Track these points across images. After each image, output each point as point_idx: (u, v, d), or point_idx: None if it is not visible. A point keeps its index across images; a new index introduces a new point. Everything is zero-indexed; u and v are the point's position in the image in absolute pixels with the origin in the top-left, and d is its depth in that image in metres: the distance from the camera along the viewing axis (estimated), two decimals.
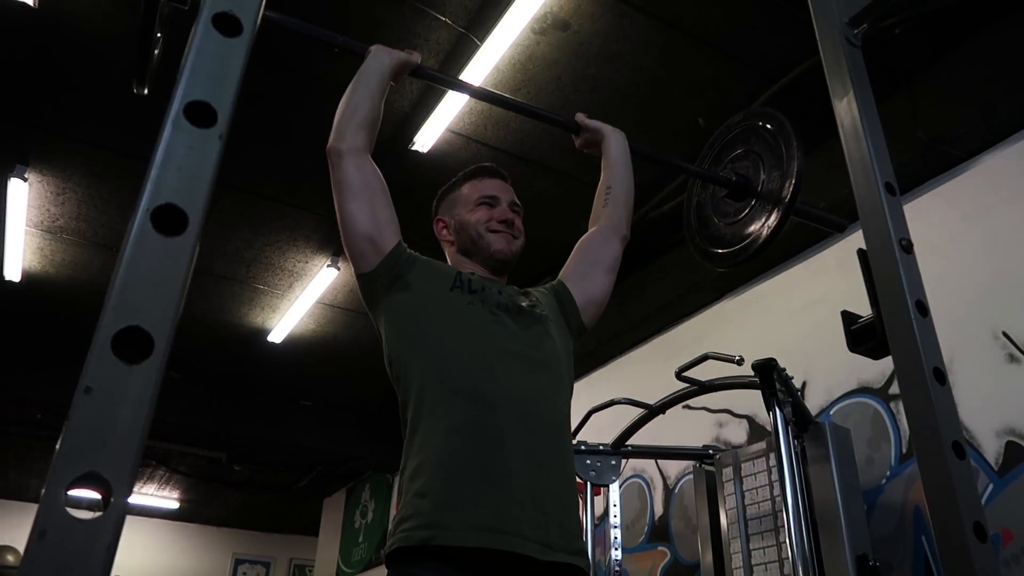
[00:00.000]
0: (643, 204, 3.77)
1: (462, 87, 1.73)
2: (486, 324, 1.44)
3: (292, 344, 5.39)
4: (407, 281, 1.44)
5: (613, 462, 3.09)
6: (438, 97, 3.19)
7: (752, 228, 1.65)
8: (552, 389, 1.45)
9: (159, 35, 1.26)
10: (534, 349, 1.46)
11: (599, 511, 3.19)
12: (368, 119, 1.50)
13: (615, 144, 1.82)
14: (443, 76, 1.73)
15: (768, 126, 1.72)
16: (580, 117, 1.81)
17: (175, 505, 8.94)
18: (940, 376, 1.03)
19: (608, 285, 1.70)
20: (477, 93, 1.77)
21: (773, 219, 1.59)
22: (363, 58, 1.55)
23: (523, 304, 1.53)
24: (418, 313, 1.43)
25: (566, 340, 1.57)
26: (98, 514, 0.52)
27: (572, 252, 1.76)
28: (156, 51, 1.29)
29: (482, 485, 1.24)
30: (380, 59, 1.54)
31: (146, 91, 1.30)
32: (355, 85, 1.52)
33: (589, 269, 1.70)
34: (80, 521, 0.51)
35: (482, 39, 2.91)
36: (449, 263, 1.63)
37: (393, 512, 6.51)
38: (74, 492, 0.53)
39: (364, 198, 1.45)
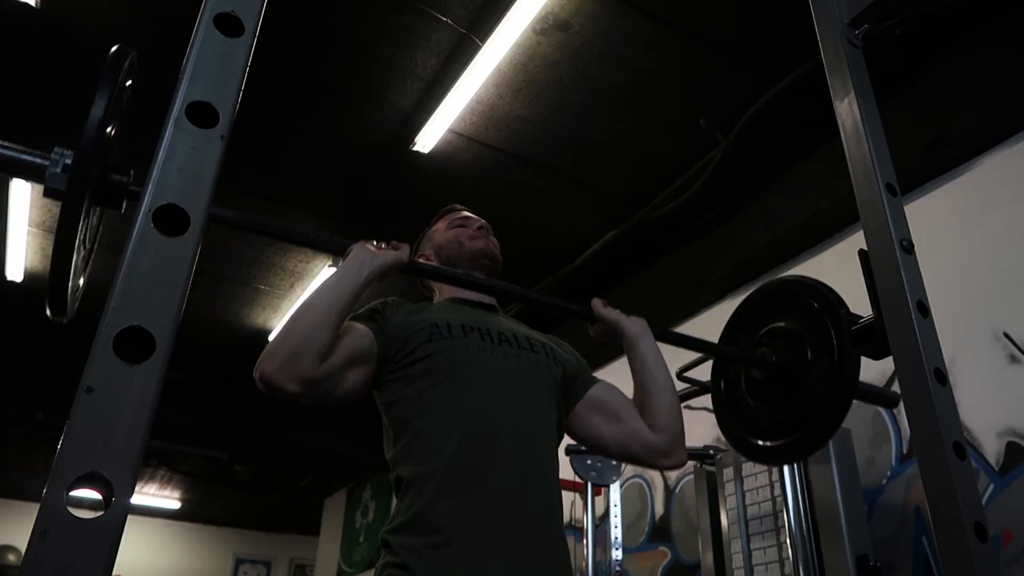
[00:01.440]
0: (644, 205, 3.78)
1: (462, 280, 1.53)
2: (472, 364, 1.35)
3: None
4: (387, 355, 1.36)
5: (614, 462, 3.09)
6: (439, 98, 3.19)
7: (802, 417, 1.43)
8: (543, 423, 1.38)
9: (86, 248, 1.06)
10: (525, 381, 1.39)
11: (600, 511, 3.19)
12: (323, 347, 1.23)
13: (639, 343, 1.53)
14: (438, 268, 1.54)
15: (813, 303, 1.48)
16: (597, 305, 1.57)
17: (176, 505, 8.95)
18: (941, 377, 1.03)
19: (607, 446, 1.49)
20: (472, 282, 1.52)
21: (830, 407, 1.39)
22: (342, 256, 1.36)
23: (518, 335, 1.47)
24: (404, 386, 1.35)
25: (561, 391, 1.46)
26: (100, 514, 0.52)
27: (625, 396, 1.54)
28: (82, 278, 1.09)
29: (470, 528, 1.20)
30: (360, 265, 1.32)
31: (64, 320, 1.07)
32: (319, 300, 1.27)
33: (612, 422, 1.48)
34: (82, 521, 0.51)
35: (483, 39, 2.92)
36: (436, 293, 1.64)
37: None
38: (76, 492, 0.53)
39: (353, 370, 1.31)
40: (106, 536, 0.51)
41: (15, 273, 4.53)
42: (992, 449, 2.50)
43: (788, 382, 1.48)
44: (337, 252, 1.36)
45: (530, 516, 1.26)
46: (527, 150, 3.54)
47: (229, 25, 0.74)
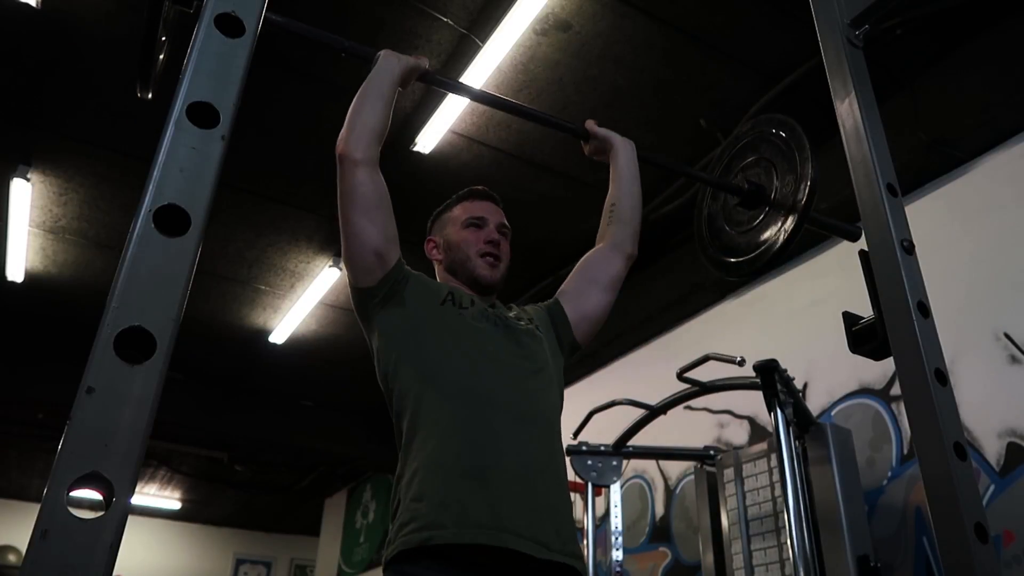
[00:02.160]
0: (645, 205, 3.76)
1: (469, 92, 1.72)
2: (476, 333, 1.48)
3: (294, 345, 5.40)
4: (402, 297, 1.47)
5: (614, 463, 3.09)
6: (440, 98, 3.19)
7: (766, 235, 1.62)
8: (542, 391, 1.48)
9: (163, 39, 1.25)
10: (523, 354, 1.50)
11: (600, 512, 3.19)
12: (380, 128, 1.48)
13: (624, 155, 1.79)
14: (450, 81, 1.69)
15: (780, 132, 1.69)
16: (590, 124, 1.78)
17: (177, 505, 8.95)
18: (941, 377, 1.03)
19: (605, 303, 1.69)
20: (484, 98, 1.73)
21: (788, 225, 1.56)
22: (371, 63, 1.52)
23: (510, 316, 1.58)
24: (411, 326, 1.46)
25: (556, 355, 1.60)
26: (100, 514, 0.52)
27: (574, 269, 1.75)
28: (160, 55, 1.28)
29: (477, 485, 1.27)
30: (390, 64, 1.52)
31: (150, 95, 1.29)
32: (366, 91, 1.50)
33: (586, 287, 1.69)
34: (82, 521, 0.51)
35: (484, 40, 2.92)
36: (438, 280, 1.67)
37: None
38: (76, 492, 0.53)
39: (377, 213, 1.45)
40: (106, 536, 0.52)
41: (15, 274, 4.53)
42: (993, 450, 2.50)
43: (758, 206, 1.67)
44: (366, 57, 1.52)
45: (537, 493, 1.34)
46: (527, 151, 3.54)
47: (230, 26, 0.74)
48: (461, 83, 1.71)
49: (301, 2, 2.79)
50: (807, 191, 1.53)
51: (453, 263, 1.62)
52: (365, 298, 1.47)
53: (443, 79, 1.68)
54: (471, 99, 1.76)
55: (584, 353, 1.73)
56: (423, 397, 1.38)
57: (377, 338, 1.47)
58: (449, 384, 1.39)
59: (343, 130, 1.47)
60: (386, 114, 1.49)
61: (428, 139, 3.41)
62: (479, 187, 1.73)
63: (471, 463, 1.30)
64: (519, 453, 1.34)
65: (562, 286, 1.72)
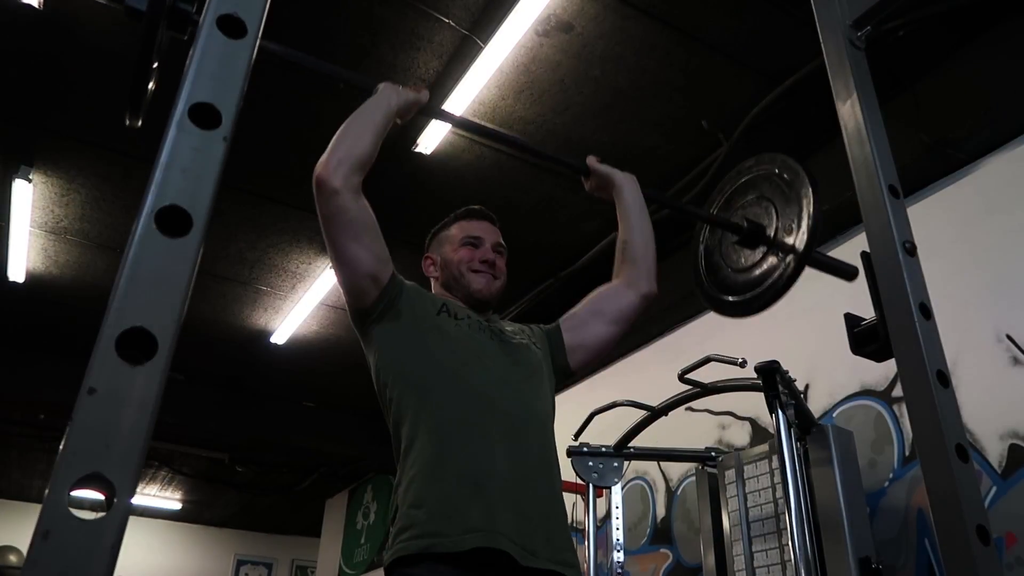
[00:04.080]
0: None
1: (472, 126, 1.74)
2: (472, 343, 1.49)
3: (295, 345, 5.40)
4: (397, 310, 1.49)
5: (615, 464, 3.09)
6: (441, 99, 3.19)
7: (763, 276, 1.61)
8: (536, 398, 1.50)
9: (155, 64, 1.22)
10: (517, 362, 1.52)
11: (601, 513, 3.19)
12: (366, 158, 1.44)
13: (628, 191, 1.76)
14: (453, 115, 1.72)
15: (784, 175, 1.66)
16: (591, 161, 1.75)
17: (177, 506, 8.95)
18: (943, 379, 1.02)
19: (606, 335, 1.68)
20: (487, 132, 1.73)
21: (786, 268, 1.55)
22: (370, 93, 1.51)
23: (506, 330, 1.60)
24: (407, 337, 1.47)
25: (550, 374, 1.61)
26: (101, 514, 0.52)
27: (584, 298, 1.75)
28: (151, 84, 1.25)
29: (473, 492, 1.29)
30: (388, 97, 1.50)
31: (139, 124, 1.27)
32: (358, 119, 1.47)
33: (590, 316, 1.69)
34: (84, 522, 0.51)
35: (485, 41, 2.92)
36: (435, 286, 1.70)
37: None
38: (78, 493, 0.53)
39: (365, 238, 1.45)
40: (108, 537, 0.51)
41: (17, 274, 4.53)
42: (995, 451, 2.50)
43: (757, 245, 1.66)
44: (367, 88, 1.50)
45: (531, 501, 1.36)
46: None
47: (232, 27, 0.74)
48: (464, 118, 1.73)
49: (301, 5, 2.80)
50: (807, 239, 1.52)
51: (449, 280, 1.65)
52: (362, 316, 1.49)
53: (446, 112, 1.68)
54: (473, 132, 1.75)
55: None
56: (419, 405, 1.40)
57: (375, 351, 1.50)
58: (444, 392, 1.40)
59: (324, 154, 1.43)
60: (373, 145, 1.45)
61: (430, 140, 3.41)
62: (476, 207, 1.75)
63: (467, 470, 1.32)
64: (513, 460, 1.36)
65: (568, 312, 1.73)
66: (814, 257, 1.58)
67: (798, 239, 1.55)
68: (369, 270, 1.45)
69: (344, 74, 1.46)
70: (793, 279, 1.54)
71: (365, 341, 1.52)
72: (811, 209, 1.54)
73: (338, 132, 1.45)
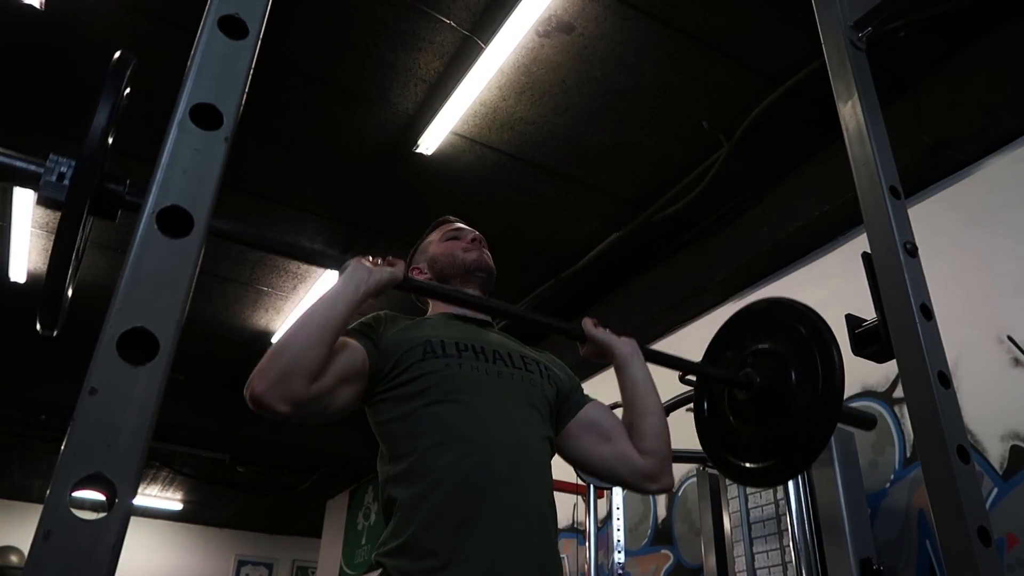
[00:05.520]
0: (647, 207, 3.78)
1: (455, 298, 1.52)
2: (466, 383, 1.35)
3: None
4: (379, 371, 1.35)
5: None
6: (442, 99, 3.19)
7: (777, 446, 1.45)
8: (537, 442, 1.38)
9: (80, 257, 1.06)
10: (519, 401, 1.40)
11: (602, 514, 3.19)
12: (317, 366, 1.22)
13: (632, 365, 1.55)
14: (431, 286, 1.54)
15: (801, 329, 1.50)
16: (587, 325, 1.57)
17: (178, 506, 8.95)
18: (944, 380, 1.02)
19: (593, 465, 1.50)
20: (471, 302, 1.51)
21: (807, 441, 1.39)
22: (340, 271, 1.36)
23: (512, 353, 1.47)
24: (396, 404, 1.35)
25: (553, 410, 1.47)
26: (103, 515, 0.52)
27: (615, 416, 1.56)
28: (71, 288, 1.10)
29: (468, 544, 1.20)
30: (357, 282, 1.31)
31: (54, 334, 1.08)
32: (315, 315, 1.26)
33: (601, 442, 1.50)
34: (85, 522, 0.51)
35: (486, 42, 2.92)
36: (430, 306, 1.63)
37: None
38: (79, 493, 0.53)
39: (344, 388, 1.30)
40: (109, 537, 0.52)
41: (18, 274, 4.53)
42: (996, 453, 2.50)
43: (771, 405, 1.48)
44: (334, 267, 1.36)
45: (525, 538, 1.26)
46: (530, 152, 3.55)
47: (233, 27, 0.74)
48: (443, 287, 1.54)
49: (303, 6, 2.80)
50: (829, 410, 1.36)
51: (443, 270, 1.61)
52: (365, 402, 1.39)
53: (424, 284, 1.52)
54: (456, 304, 1.54)
55: (572, 364, 1.65)
56: (412, 463, 1.28)
57: (376, 425, 1.39)
58: (436, 443, 1.28)
59: (263, 359, 1.21)
60: (329, 347, 1.24)
61: (430, 140, 3.41)
62: (448, 215, 1.77)
63: (460, 519, 1.21)
64: (510, 507, 1.25)
65: (601, 404, 1.58)
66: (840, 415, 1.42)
67: (822, 410, 1.37)
68: (360, 391, 1.34)
69: (305, 250, 1.31)
70: (819, 447, 1.39)
71: (368, 416, 1.42)
72: (835, 374, 1.37)
73: (288, 330, 1.25)
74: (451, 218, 1.76)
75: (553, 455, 1.46)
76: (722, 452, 1.60)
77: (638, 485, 1.48)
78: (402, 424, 1.33)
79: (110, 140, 0.98)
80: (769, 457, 1.47)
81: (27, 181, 0.90)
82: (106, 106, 0.93)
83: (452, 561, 1.17)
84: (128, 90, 1.00)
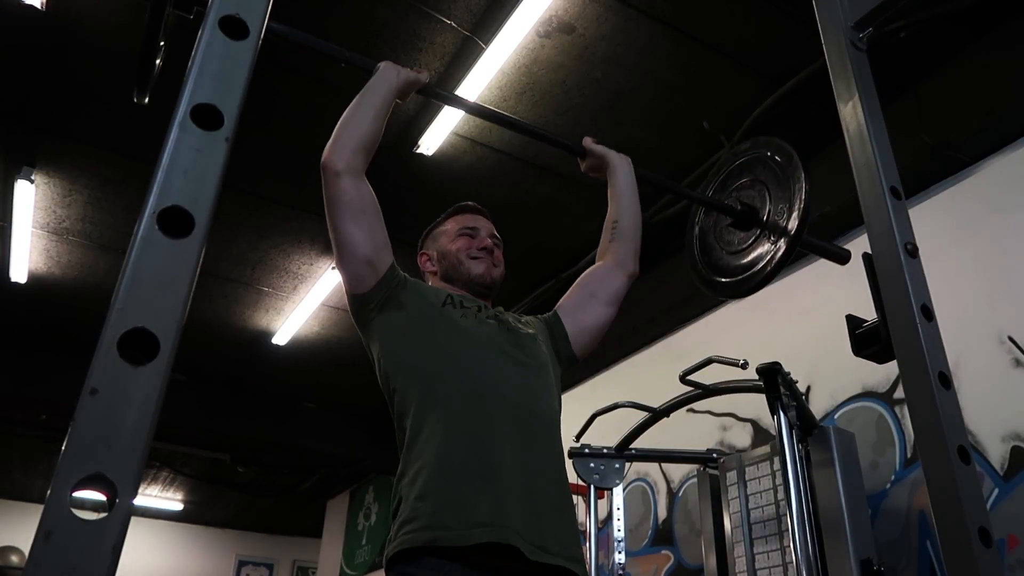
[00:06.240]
0: (647, 208, 3.77)
1: (468, 106, 1.74)
2: (478, 333, 1.48)
3: (296, 346, 5.40)
4: (400, 300, 1.49)
5: (617, 465, 3.09)
6: None
7: (756, 259, 1.63)
8: (544, 391, 1.50)
9: (162, 43, 1.25)
10: (525, 353, 1.52)
11: (603, 514, 3.19)
12: (369, 139, 1.48)
13: (621, 173, 1.79)
14: (451, 95, 1.71)
15: (776, 157, 1.68)
16: (587, 142, 1.79)
17: (179, 506, 8.95)
18: (945, 380, 1.02)
19: (604, 316, 1.69)
20: (482, 112, 1.75)
21: (778, 251, 1.58)
22: (370, 73, 1.54)
23: (510, 321, 1.60)
24: (412, 327, 1.47)
25: (555, 364, 1.61)
26: (103, 515, 0.52)
27: (574, 283, 1.76)
28: (159, 60, 1.28)
29: (480, 484, 1.28)
30: (388, 76, 1.53)
31: (147, 100, 1.30)
32: (360, 101, 1.51)
33: (586, 301, 1.70)
34: (85, 522, 0.51)
35: (487, 42, 2.92)
36: (435, 282, 1.69)
37: None
38: (79, 493, 0.53)
39: (363, 220, 1.46)
40: (110, 537, 0.52)
41: (19, 275, 4.54)
42: (996, 453, 2.50)
43: (750, 228, 1.68)
44: (367, 68, 1.53)
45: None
46: (530, 153, 3.55)
47: (234, 28, 0.74)
48: (459, 97, 1.74)
49: (302, 5, 2.80)
50: (799, 221, 1.55)
51: (448, 270, 1.65)
52: (361, 304, 1.48)
53: (442, 92, 1.69)
54: (468, 112, 1.79)
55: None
56: (426, 395, 1.39)
57: (377, 341, 1.49)
58: (451, 382, 1.40)
59: (330, 139, 1.47)
60: (377, 126, 1.50)
61: (431, 141, 3.41)
62: (469, 202, 1.76)
63: (475, 462, 1.30)
64: (523, 453, 1.35)
65: (561, 300, 1.73)
66: (806, 240, 1.60)
67: (790, 222, 1.56)
68: (366, 254, 1.45)
69: (345, 54, 1.49)
70: (784, 262, 1.57)
71: (366, 332, 1.51)
72: (803, 193, 1.56)
73: (342, 117, 1.49)
74: (469, 206, 1.75)
75: (559, 403, 1.57)
76: (710, 275, 1.78)
77: (623, 272, 1.72)
78: (414, 362, 1.44)
79: None
80: (750, 267, 1.65)
81: None
82: None
83: (471, 509, 1.26)
84: None
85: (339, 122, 1.48)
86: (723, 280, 1.72)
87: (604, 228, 1.79)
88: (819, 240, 1.81)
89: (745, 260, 1.66)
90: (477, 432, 1.34)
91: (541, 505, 1.32)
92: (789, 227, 1.56)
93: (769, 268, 1.59)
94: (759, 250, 1.63)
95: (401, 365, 1.45)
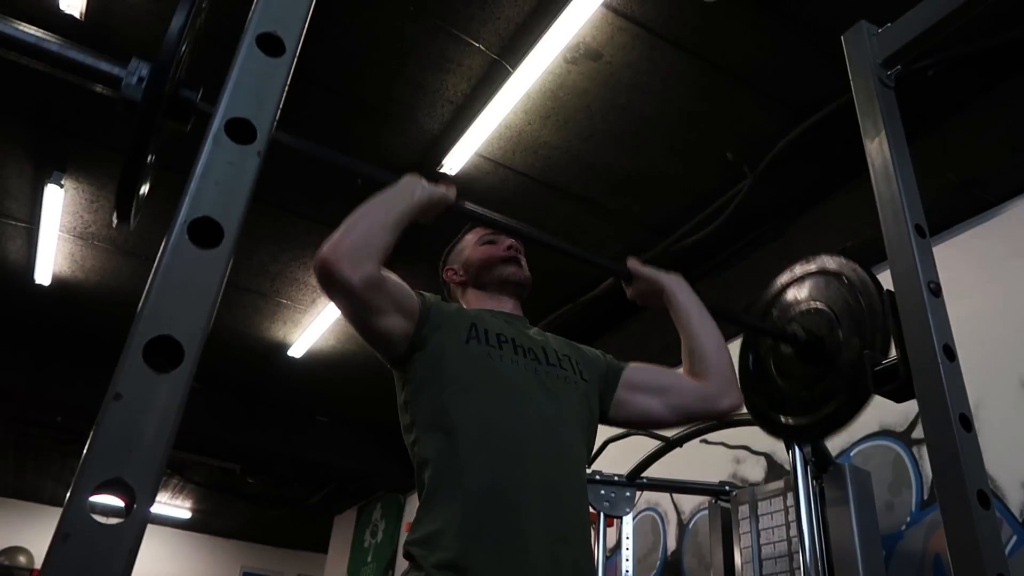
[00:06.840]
0: (669, 235, 3.78)
1: (507, 227, 1.49)
2: (503, 378, 1.37)
3: (311, 359, 5.42)
4: (423, 336, 1.37)
5: (628, 493, 3.06)
6: (468, 121, 3.22)
7: (820, 401, 1.43)
8: (574, 439, 1.39)
9: (151, 158, 1.10)
10: (558, 397, 1.40)
11: (611, 543, 3.15)
12: (382, 250, 1.28)
13: (681, 294, 1.60)
14: (487, 215, 1.45)
15: (847, 282, 1.51)
16: (633, 264, 1.60)
17: (187, 515, 8.97)
18: (966, 423, 1.01)
19: (655, 416, 1.54)
20: (522, 232, 1.50)
21: (846, 401, 1.37)
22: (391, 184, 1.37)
23: (541, 351, 1.48)
24: (434, 371, 1.36)
25: (591, 410, 1.48)
26: (121, 520, 0.52)
27: (658, 365, 1.60)
28: (146, 185, 1.13)
29: (500, 560, 1.20)
30: (412, 191, 1.35)
31: (130, 226, 1.14)
32: (375, 206, 1.30)
33: (653, 390, 1.54)
34: (103, 526, 0.52)
35: (514, 66, 2.95)
36: (465, 307, 1.60)
37: (404, 535, 6.46)
38: (97, 497, 0.53)
39: (391, 305, 1.32)
40: (126, 542, 0.52)
41: (43, 277, 4.60)
42: (1016, 499, 2.45)
43: (816, 361, 1.47)
44: (387, 182, 1.36)
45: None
46: (553, 176, 3.56)
47: (271, 45, 0.76)
48: (500, 217, 1.46)
49: (334, 22, 2.84)
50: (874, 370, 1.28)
51: (478, 277, 1.61)
52: (395, 362, 1.40)
53: (477, 211, 1.44)
54: (507, 233, 1.59)
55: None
56: (444, 450, 1.29)
57: (403, 386, 1.41)
58: (472, 437, 1.29)
59: (333, 235, 1.24)
60: (390, 238, 1.29)
61: (455, 161, 3.44)
62: None
63: (494, 533, 1.21)
64: (545, 521, 1.25)
65: (636, 363, 1.60)
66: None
67: (866, 369, 1.31)
68: (402, 333, 1.35)
69: (363, 168, 1.29)
70: (852, 414, 1.36)
71: (396, 377, 1.43)
72: (876, 319, 1.33)
73: (349, 217, 1.28)
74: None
75: (591, 453, 1.47)
76: (765, 409, 1.58)
77: (708, 409, 1.52)
78: (433, 399, 1.34)
79: (185, 49, 1.05)
80: (812, 412, 1.45)
81: (109, 83, 1.00)
82: (183, 11, 1.00)
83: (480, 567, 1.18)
84: (206, 4, 1.06)
85: (346, 223, 1.27)
86: (787, 421, 1.51)
87: (683, 357, 1.60)
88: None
89: (809, 399, 1.46)
90: (497, 498, 1.24)
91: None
92: (863, 376, 1.30)
93: (838, 418, 1.38)
94: (825, 392, 1.42)
95: (421, 415, 1.35)
